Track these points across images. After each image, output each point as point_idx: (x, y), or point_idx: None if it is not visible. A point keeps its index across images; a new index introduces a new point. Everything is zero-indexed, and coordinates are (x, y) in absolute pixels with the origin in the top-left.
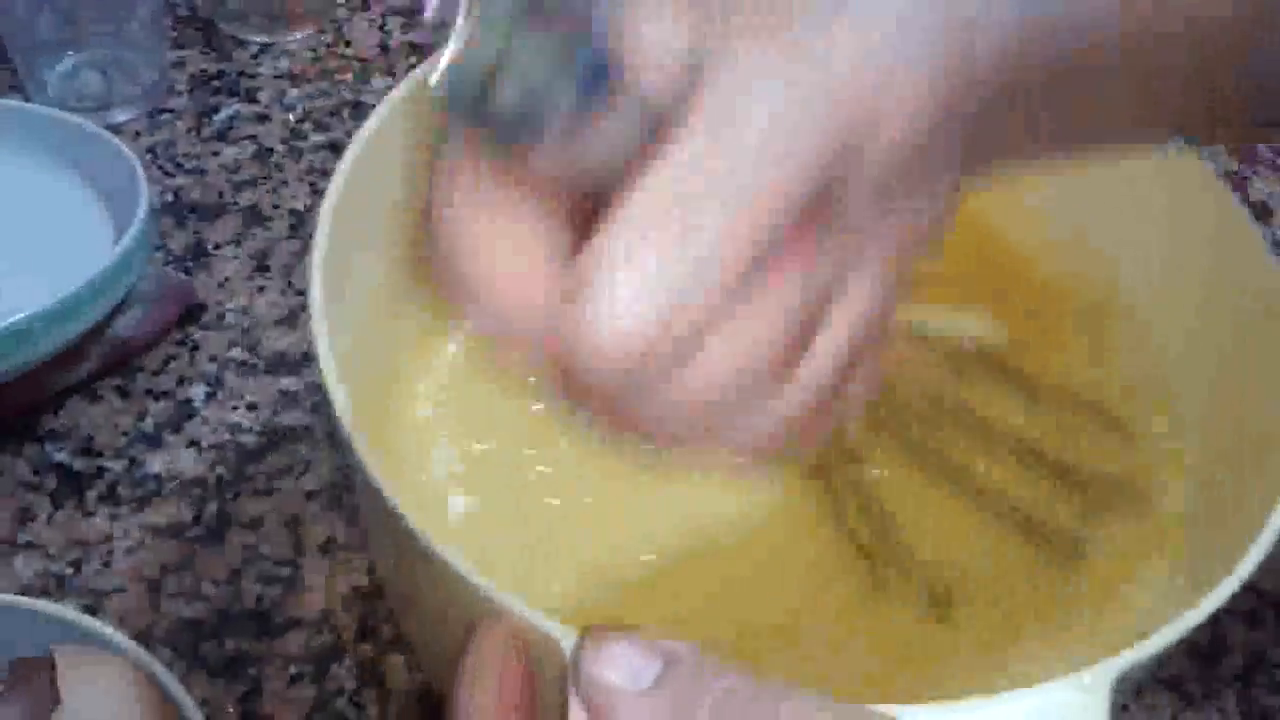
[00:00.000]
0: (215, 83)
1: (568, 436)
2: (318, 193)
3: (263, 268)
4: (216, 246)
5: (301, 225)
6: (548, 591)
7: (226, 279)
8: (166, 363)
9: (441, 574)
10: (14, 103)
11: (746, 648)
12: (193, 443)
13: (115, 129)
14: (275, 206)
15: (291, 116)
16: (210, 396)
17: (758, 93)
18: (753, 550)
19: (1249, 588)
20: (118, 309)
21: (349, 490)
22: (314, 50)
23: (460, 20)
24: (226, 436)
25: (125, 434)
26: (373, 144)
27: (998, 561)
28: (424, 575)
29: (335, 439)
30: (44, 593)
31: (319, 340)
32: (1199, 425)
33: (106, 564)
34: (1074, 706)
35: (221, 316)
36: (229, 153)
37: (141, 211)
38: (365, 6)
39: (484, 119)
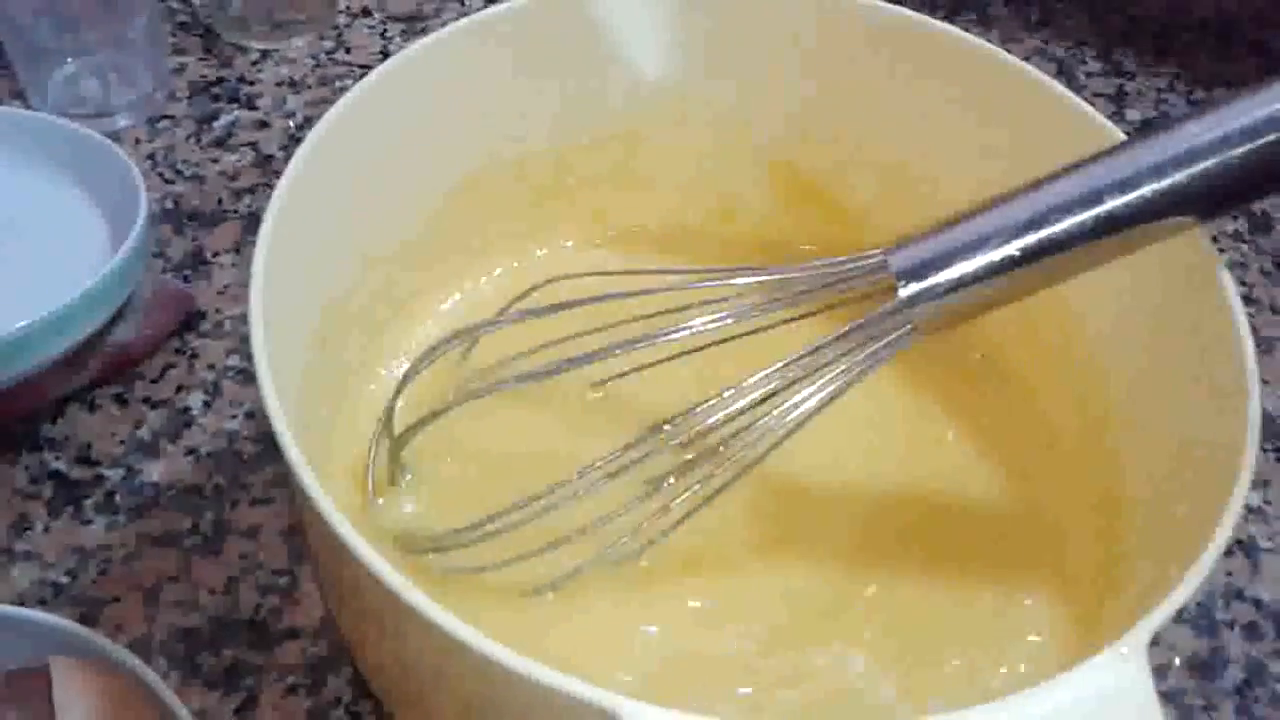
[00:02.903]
0: (215, 89)
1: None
2: None
3: None
4: (215, 254)
5: None
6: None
7: (225, 286)
8: (165, 371)
9: (474, 661)
10: (14, 109)
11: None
12: (190, 451)
13: (115, 136)
14: None
15: (291, 123)
16: (208, 405)
17: None
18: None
19: (1249, 600)
20: (116, 317)
21: None
22: (314, 57)
23: None
24: (224, 445)
25: (123, 442)
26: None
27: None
28: (441, 657)
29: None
30: (40, 602)
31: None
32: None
33: (103, 573)
34: (1117, 678)
35: (220, 324)
36: (228, 160)
37: (140, 219)
38: (366, 13)
39: None
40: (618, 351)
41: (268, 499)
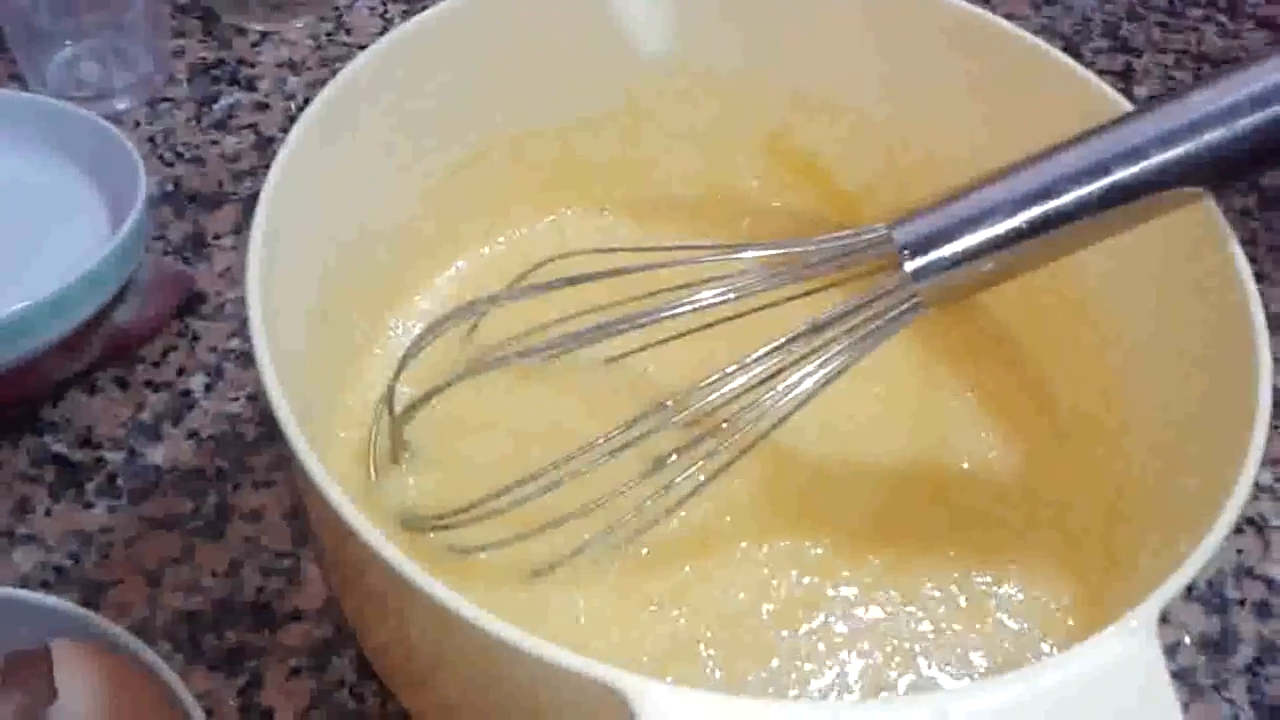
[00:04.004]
0: (215, 71)
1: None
2: None
3: None
4: (216, 236)
5: None
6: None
7: (226, 269)
8: (166, 353)
9: (480, 642)
10: (13, 92)
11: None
12: (192, 434)
13: (115, 118)
14: None
15: (292, 105)
16: (210, 387)
17: None
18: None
19: (1260, 578)
20: (117, 299)
21: None
22: (314, 38)
23: None
24: (226, 427)
25: (124, 425)
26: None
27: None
28: (448, 641)
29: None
30: (43, 585)
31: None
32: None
33: (105, 556)
34: (1127, 652)
35: (221, 307)
36: (229, 142)
37: (140, 201)
38: None
39: None
40: (621, 328)
41: (270, 481)
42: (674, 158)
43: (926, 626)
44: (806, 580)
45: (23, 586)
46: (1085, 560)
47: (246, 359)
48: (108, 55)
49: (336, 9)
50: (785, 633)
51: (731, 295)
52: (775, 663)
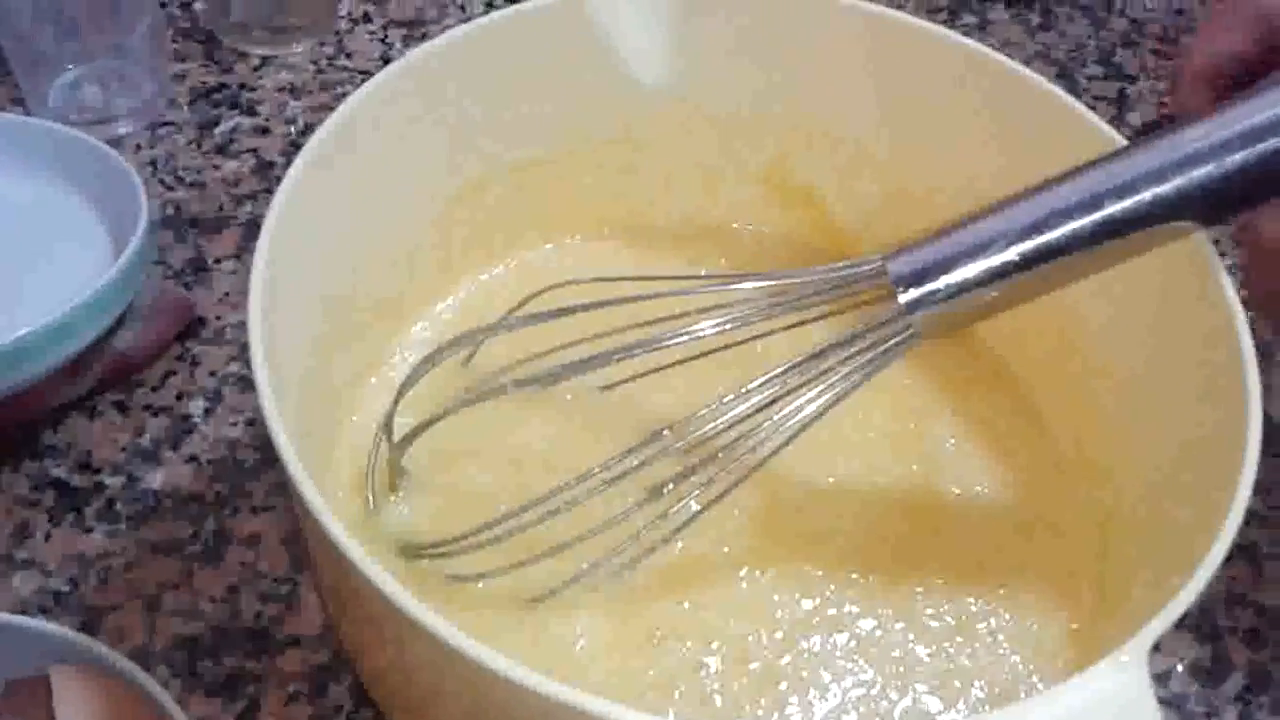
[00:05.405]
0: (216, 95)
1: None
2: None
3: None
4: (217, 260)
5: None
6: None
7: (226, 293)
8: (166, 378)
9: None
10: (15, 116)
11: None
12: (191, 458)
13: (116, 142)
14: None
15: (292, 129)
16: (209, 412)
17: None
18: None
19: (1251, 605)
20: (117, 324)
21: None
22: (315, 63)
23: None
24: (225, 452)
25: (124, 450)
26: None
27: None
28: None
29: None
30: (41, 610)
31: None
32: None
33: (104, 581)
34: (1118, 688)
35: (221, 331)
36: (230, 166)
37: (141, 226)
38: (367, 19)
39: None
40: (619, 357)
41: (269, 506)
42: (673, 187)
43: (922, 651)
44: (808, 604)
45: (22, 612)
46: (1078, 588)
47: (246, 383)
48: (109, 79)
49: (337, 34)
50: (787, 658)
51: (728, 325)
52: (783, 685)
